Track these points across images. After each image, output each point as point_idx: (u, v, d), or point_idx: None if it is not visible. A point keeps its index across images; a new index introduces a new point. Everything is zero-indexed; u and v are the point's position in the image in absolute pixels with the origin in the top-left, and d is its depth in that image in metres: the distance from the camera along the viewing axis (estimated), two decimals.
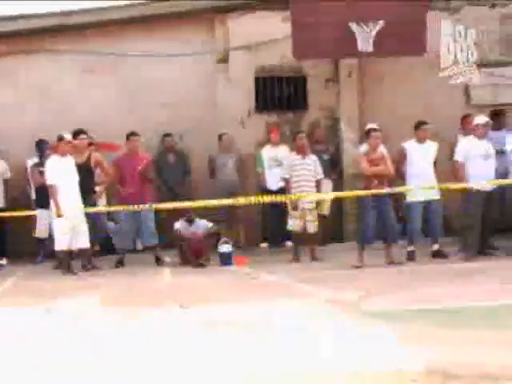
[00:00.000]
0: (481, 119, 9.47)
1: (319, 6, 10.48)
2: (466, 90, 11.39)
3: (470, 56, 10.51)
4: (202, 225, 9.95)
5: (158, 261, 10.01)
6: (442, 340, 5.02)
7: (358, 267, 9.02)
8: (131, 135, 10.06)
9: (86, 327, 5.99)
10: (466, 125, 10.19)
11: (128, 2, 11.44)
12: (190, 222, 9.91)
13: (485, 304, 6.34)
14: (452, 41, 10.52)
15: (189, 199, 10.11)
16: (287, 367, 4.49)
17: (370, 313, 6.07)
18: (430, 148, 9.63)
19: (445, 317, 5.85)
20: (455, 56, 10.55)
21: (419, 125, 9.65)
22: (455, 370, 4.25)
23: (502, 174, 9.52)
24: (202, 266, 9.59)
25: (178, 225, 9.94)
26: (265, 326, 5.72)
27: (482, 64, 11.01)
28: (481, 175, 9.22)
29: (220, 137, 11.12)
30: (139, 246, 10.68)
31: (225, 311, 6.40)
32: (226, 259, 9.72)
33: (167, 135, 11.36)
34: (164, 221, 10.42)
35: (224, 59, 11.63)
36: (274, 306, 6.56)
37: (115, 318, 6.27)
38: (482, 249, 9.44)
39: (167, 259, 10.17)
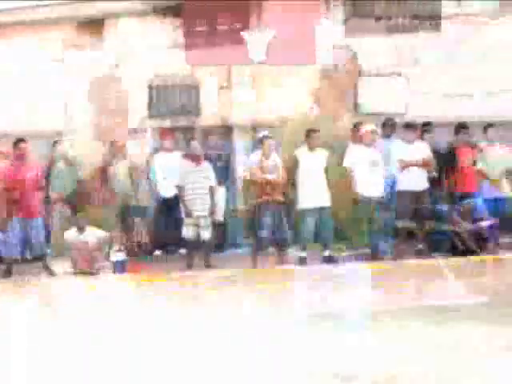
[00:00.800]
0: (368, 127, 9.79)
1: (212, 13, 10.56)
2: (355, 99, 11.71)
3: None
4: (94, 233, 9.77)
5: (48, 270, 9.76)
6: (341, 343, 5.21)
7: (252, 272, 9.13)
8: (19, 142, 9.77)
9: None
10: (356, 133, 10.47)
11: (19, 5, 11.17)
12: (81, 230, 9.71)
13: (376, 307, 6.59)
14: None
15: (81, 207, 9.92)
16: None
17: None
18: (321, 155, 9.84)
19: (335, 321, 6.04)
20: None
21: (310, 133, 9.86)
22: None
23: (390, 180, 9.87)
24: (93, 274, 9.43)
25: (69, 234, 9.73)
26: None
27: (370, 75, 11.40)
28: (368, 182, 9.52)
29: (112, 144, 10.97)
30: (28, 255, 10.36)
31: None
32: (119, 267, 9.60)
33: (58, 142, 11.10)
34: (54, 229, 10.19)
35: (116, 65, 11.50)
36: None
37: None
38: (373, 253, 9.72)
39: (58, 269, 9.92)
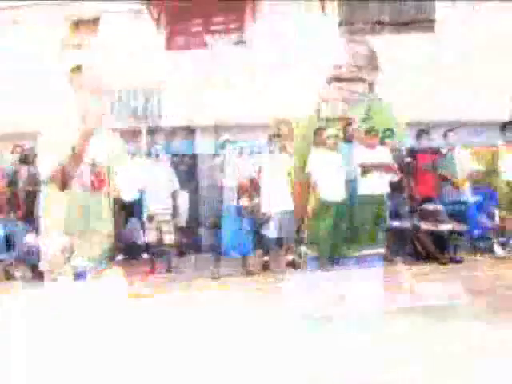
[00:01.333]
0: (330, 131, 9.83)
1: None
2: (317, 103, 11.75)
3: None
4: (54, 238, 9.66)
5: (8, 275, 9.66)
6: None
7: (215, 278, 9.09)
8: None
9: None
10: (318, 137, 10.48)
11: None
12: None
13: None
14: None
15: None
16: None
17: None
18: (285, 160, 9.87)
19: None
20: None
21: (273, 137, 9.88)
22: None
23: (352, 184, 9.90)
24: (54, 279, 9.32)
25: (29, 238, 9.63)
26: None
27: (333, 79, 11.45)
28: (330, 186, 9.54)
29: (74, 148, 10.84)
30: None
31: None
32: (79, 273, 9.49)
33: (18, 145, 10.99)
34: (15, 234, 10.07)
35: (78, 68, 11.39)
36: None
37: None
38: (335, 258, 9.74)
39: (18, 273, 9.82)
